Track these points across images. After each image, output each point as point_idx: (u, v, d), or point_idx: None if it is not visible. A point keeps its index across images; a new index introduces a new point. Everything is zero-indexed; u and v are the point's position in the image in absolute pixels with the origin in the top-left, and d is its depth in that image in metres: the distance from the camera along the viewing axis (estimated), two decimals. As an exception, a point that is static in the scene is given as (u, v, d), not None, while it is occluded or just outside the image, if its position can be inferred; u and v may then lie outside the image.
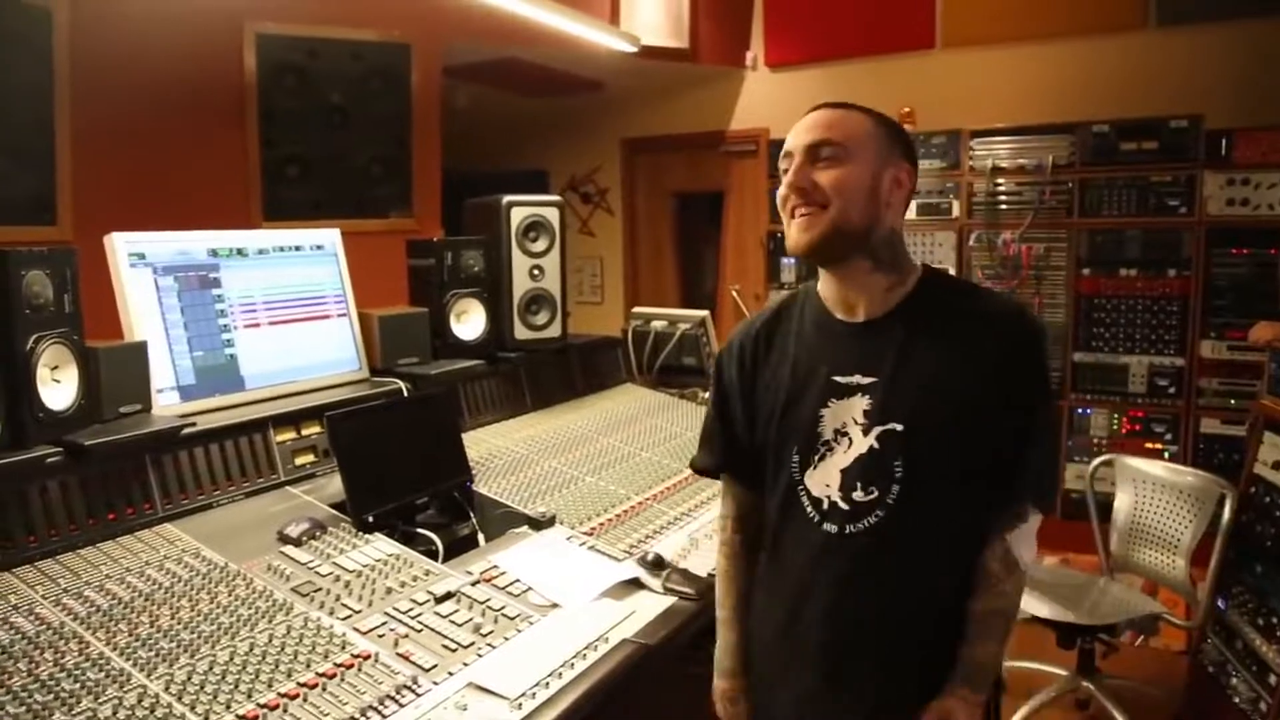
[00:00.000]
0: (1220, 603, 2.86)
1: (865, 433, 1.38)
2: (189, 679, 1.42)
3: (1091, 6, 4.60)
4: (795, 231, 1.41)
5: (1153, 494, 3.06)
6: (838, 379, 1.42)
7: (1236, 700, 2.66)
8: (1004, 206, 4.65)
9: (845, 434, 1.40)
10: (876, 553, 1.39)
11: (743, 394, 1.55)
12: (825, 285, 1.49)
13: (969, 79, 4.97)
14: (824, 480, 1.41)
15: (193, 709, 1.35)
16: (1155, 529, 3.02)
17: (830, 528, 1.41)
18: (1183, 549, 2.90)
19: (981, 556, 1.42)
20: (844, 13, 5.33)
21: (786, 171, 1.42)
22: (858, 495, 1.39)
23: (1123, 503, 3.14)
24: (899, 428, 1.37)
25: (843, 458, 1.40)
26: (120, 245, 2.12)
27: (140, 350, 2.03)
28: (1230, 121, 4.17)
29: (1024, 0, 4.78)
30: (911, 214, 4.87)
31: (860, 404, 1.40)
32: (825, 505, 1.41)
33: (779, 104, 5.58)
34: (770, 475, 1.50)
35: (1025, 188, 4.59)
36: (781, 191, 1.43)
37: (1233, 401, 4.22)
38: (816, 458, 1.42)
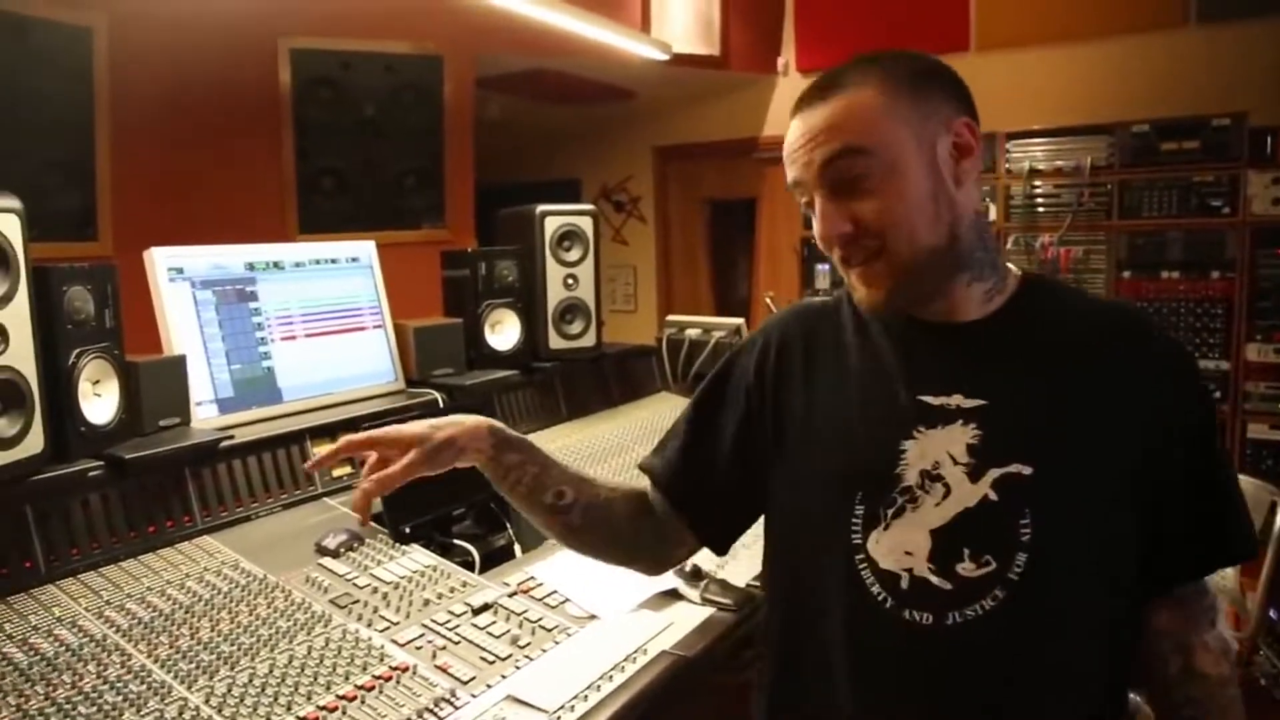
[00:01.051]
0: (1273, 613, 2.78)
1: (973, 477, 0.99)
2: (229, 691, 1.42)
3: (1130, 5, 4.53)
4: (860, 287, 1.07)
5: (1200, 501, 2.99)
6: (927, 399, 1.03)
7: (1291, 713, 2.59)
8: (1041, 209, 4.59)
9: (939, 478, 0.99)
10: (994, 654, 0.97)
11: (749, 408, 1.16)
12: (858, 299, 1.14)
13: (1004, 81, 4.91)
14: (902, 546, 0.99)
15: (233, 722, 1.35)
16: (1203, 537, 2.95)
17: (917, 617, 0.98)
18: (1232, 557, 2.84)
19: (1182, 661, 1.05)
20: (876, 16, 5.30)
21: (809, 205, 1.08)
22: (964, 568, 0.97)
23: (1169, 510, 3.07)
24: (1026, 470, 0.98)
25: (935, 514, 0.99)
26: (160, 260, 2.15)
27: (179, 364, 2.06)
28: (1275, 119, 4.08)
29: (1060, 0, 4.72)
30: (947, 218, 4.83)
31: (962, 436, 1.00)
32: (905, 584, 0.99)
33: (811, 109, 5.55)
34: (797, 540, 1.09)
35: (1063, 190, 4.52)
36: (819, 236, 1.08)
37: (1280, 406, 4.12)
38: (890, 512, 1.00)
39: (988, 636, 0.96)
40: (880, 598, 1.00)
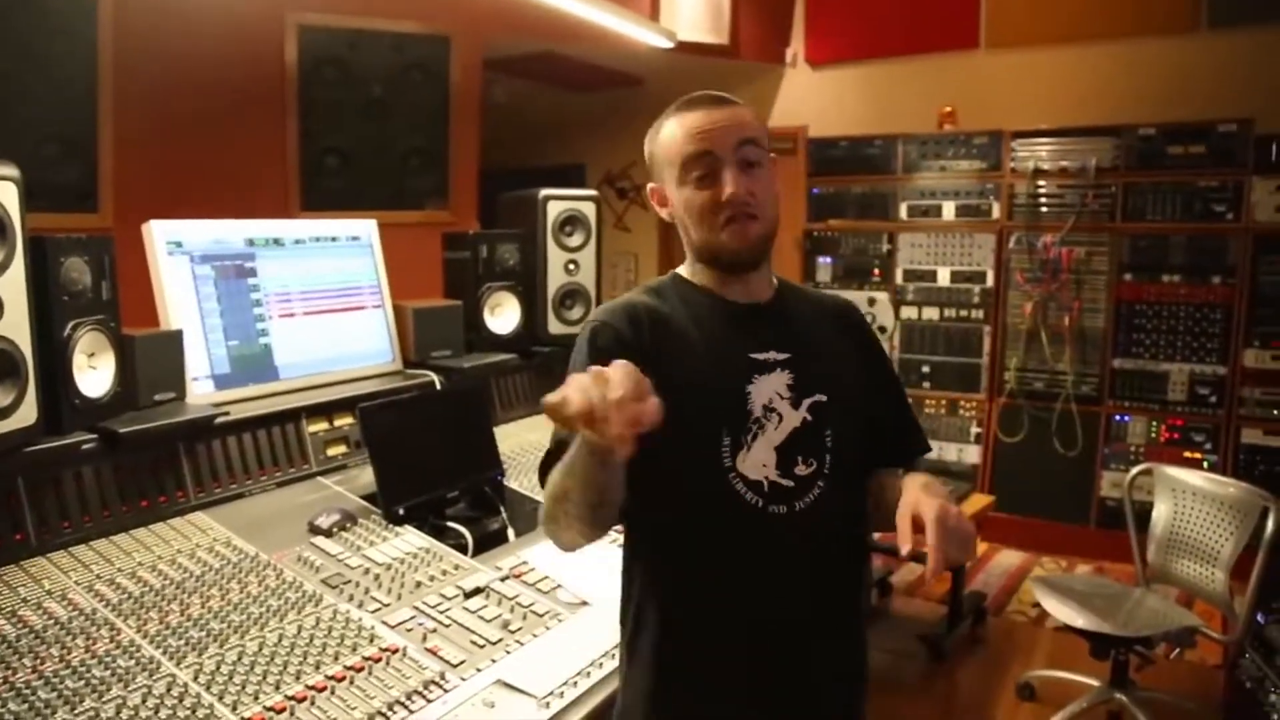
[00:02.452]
0: (1260, 617, 2.79)
1: (794, 405, 1.33)
2: (218, 669, 1.43)
3: (1141, 8, 4.52)
4: (731, 238, 1.33)
5: (1193, 505, 2.99)
6: (755, 356, 1.35)
7: (1275, 717, 2.59)
8: (1045, 209, 4.57)
9: (773, 410, 1.33)
10: (824, 525, 1.34)
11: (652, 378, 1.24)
12: (710, 278, 1.40)
13: (1012, 79, 4.90)
14: (760, 461, 1.31)
15: (220, 699, 1.35)
16: (1194, 540, 2.95)
17: (777, 509, 1.31)
18: (1222, 561, 2.83)
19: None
20: (887, 10, 5.27)
21: (704, 178, 1.32)
22: (799, 470, 1.32)
23: (1161, 513, 3.07)
24: (824, 399, 1.35)
25: (776, 435, 1.32)
26: (158, 233, 2.13)
27: (176, 339, 2.05)
28: (1282, 126, 4.07)
29: (1071, 0, 4.69)
30: (950, 215, 4.82)
31: (782, 379, 1.34)
32: (766, 487, 1.31)
33: (818, 101, 5.54)
34: (679, 474, 1.30)
35: (1067, 190, 4.51)
36: (707, 201, 1.32)
37: (1276, 412, 4.12)
38: (749, 438, 1.31)
39: (819, 513, 1.33)
40: (752, 500, 1.31)
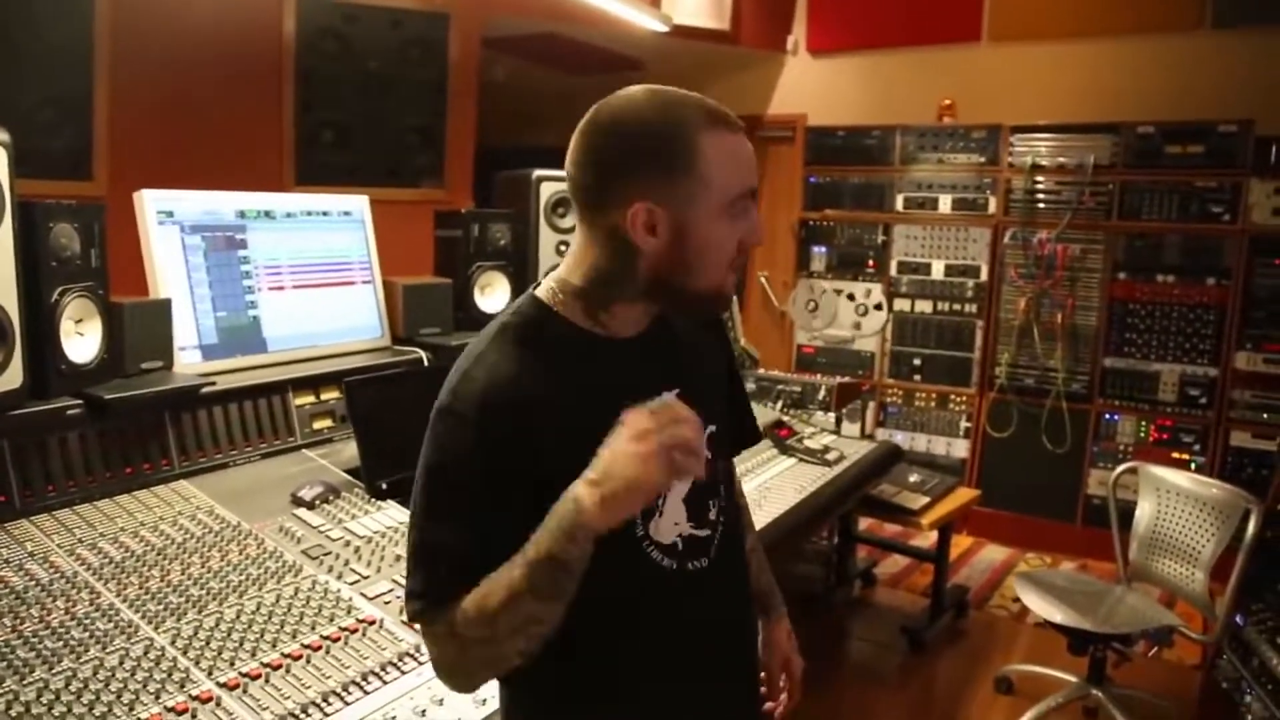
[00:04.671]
0: (1239, 619, 2.81)
1: (714, 443, 1.18)
2: (195, 634, 1.44)
3: (1145, 5, 4.51)
4: (729, 287, 1.15)
5: (1176, 504, 3.00)
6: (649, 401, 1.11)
7: (1250, 718, 2.62)
8: (1042, 205, 4.57)
9: None
10: (735, 559, 1.27)
11: (528, 470, 1.05)
12: (599, 311, 1.14)
13: (1013, 73, 4.89)
14: (672, 519, 1.15)
15: (197, 664, 1.37)
16: (1176, 540, 2.97)
17: (695, 565, 1.18)
18: (1203, 562, 2.85)
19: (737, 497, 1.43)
20: (889, 0, 5.26)
21: (740, 216, 1.10)
22: (711, 514, 1.21)
23: (1144, 512, 3.09)
24: (714, 428, 1.19)
25: (682, 486, 1.15)
26: (149, 202, 2.13)
27: (164, 308, 2.05)
28: (1281, 129, 4.07)
29: (1075, -4, 4.69)
30: (946, 208, 4.82)
31: None
32: (681, 546, 1.16)
33: (818, 90, 5.53)
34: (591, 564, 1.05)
35: (1064, 187, 4.51)
36: (734, 243, 1.11)
37: (1265, 415, 4.13)
38: (660, 502, 1.13)
39: (727, 549, 1.23)
40: (668, 564, 1.15)
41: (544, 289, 1.16)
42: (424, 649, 1.51)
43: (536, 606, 1.00)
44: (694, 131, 1.06)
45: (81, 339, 1.82)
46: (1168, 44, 4.47)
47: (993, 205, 4.71)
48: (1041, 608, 2.89)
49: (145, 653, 1.37)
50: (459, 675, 1.10)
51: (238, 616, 1.51)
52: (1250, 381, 4.18)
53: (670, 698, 1.18)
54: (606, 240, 1.10)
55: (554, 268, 1.24)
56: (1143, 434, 4.44)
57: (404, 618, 1.59)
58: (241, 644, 1.44)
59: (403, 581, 1.69)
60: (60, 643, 1.36)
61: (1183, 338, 4.33)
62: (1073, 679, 3.04)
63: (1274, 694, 2.54)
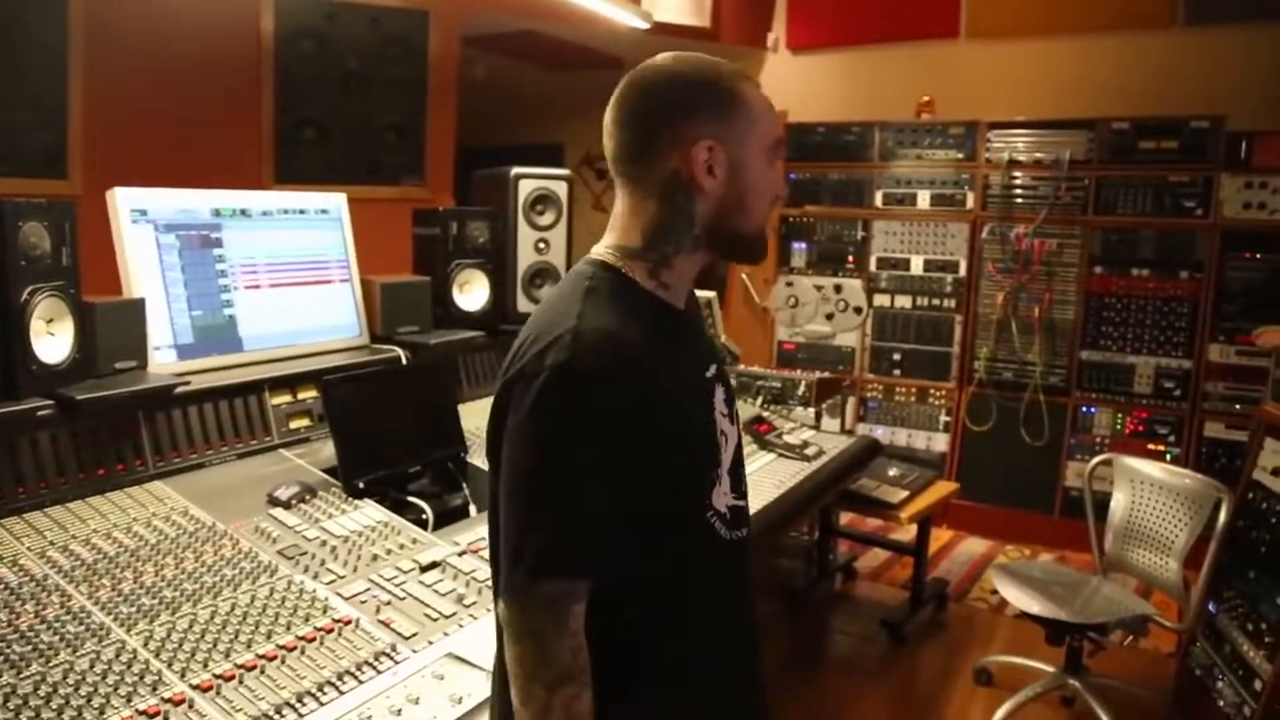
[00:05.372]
0: (1211, 607, 2.84)
1: (732, 420, 1.24)
2: (168, 636, 1.43)
3: (1119, 3, 4.55)
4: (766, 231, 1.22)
5: (1150, 495, 3.04)
6: (706, 374, 1.22)
7: (1222, 704, 2.65)
8: (1019, 200, 4.60)
9: (723, 431, 1.20)
10: (751, 527, 1.32)
11: (650, 439, 1.07)
12: (675, 276, 1.17)
13: (990, 70, 4.92)
14: (724, 490, 1.18)
15: (169, 665, 1.36)
16: (1150, 530, 3.00)
17: (736, 534, 1.21)
18: (1176, 551, 2.88)
19: None
20: (868, -2, 5.28)
21: (774, 164, 1.18)
22: (743, 485, 1.25)
23: (1119, 503, 3.12)
24: (736, 406, 1.29)
25: (728, 457, 1.20)
26: (122, 200, 2.12)
27: (138, 307, 2.04)
28: (1252, 124, 4.11)
29: (1051, -7, 4.72)
30: (925, 204, 4.84)
31: (720, 393, 1.22)
32: (729, 515, 1.19)
33: (799, 87, 5.54)
34: (666, 530, 1.12)
35: (1041, 182, 4.54)
36: (784, 192, 1.26)
37: (1238, 406, 4.18)
38: (719, 471, 1.18)
39: (748, 520, 1.27)
40: (725, 534, 1.18)
41: (603, 255, 1.16)
42: (399, 649, 1.51)
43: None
44: (733, 80, 1.14)
45: (53, 339, 1.81)
46: (1141, 41, 4.51)
47: (971, 201, 4.74)
48: (1019, 599, 2.92)
49: (117, 655, 1.37)
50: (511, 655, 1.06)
51: (211, 617, 1.50)
52: (1223, 373, 4.23)
53: (724, 668, 1.22)
54: (661, 192, 1.13)
55: (598, 256, 1.16)
56: (1119, 426, 4.48)
57: (381, 617, 1.59)
58: (215, 645, 1.43)
59: (378, 580, 1.70)
60: (29, 646, 1.35)
61: (1157, 330, 4.38)
62: (1050, 669, 3.07)
63: (1245, 679, 2.58)
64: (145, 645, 1.40)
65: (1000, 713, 2.95)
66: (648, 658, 1.15)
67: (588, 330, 1.04)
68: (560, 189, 3.06)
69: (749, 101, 1.14)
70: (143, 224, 2.15)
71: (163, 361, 2.13)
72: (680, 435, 1.10)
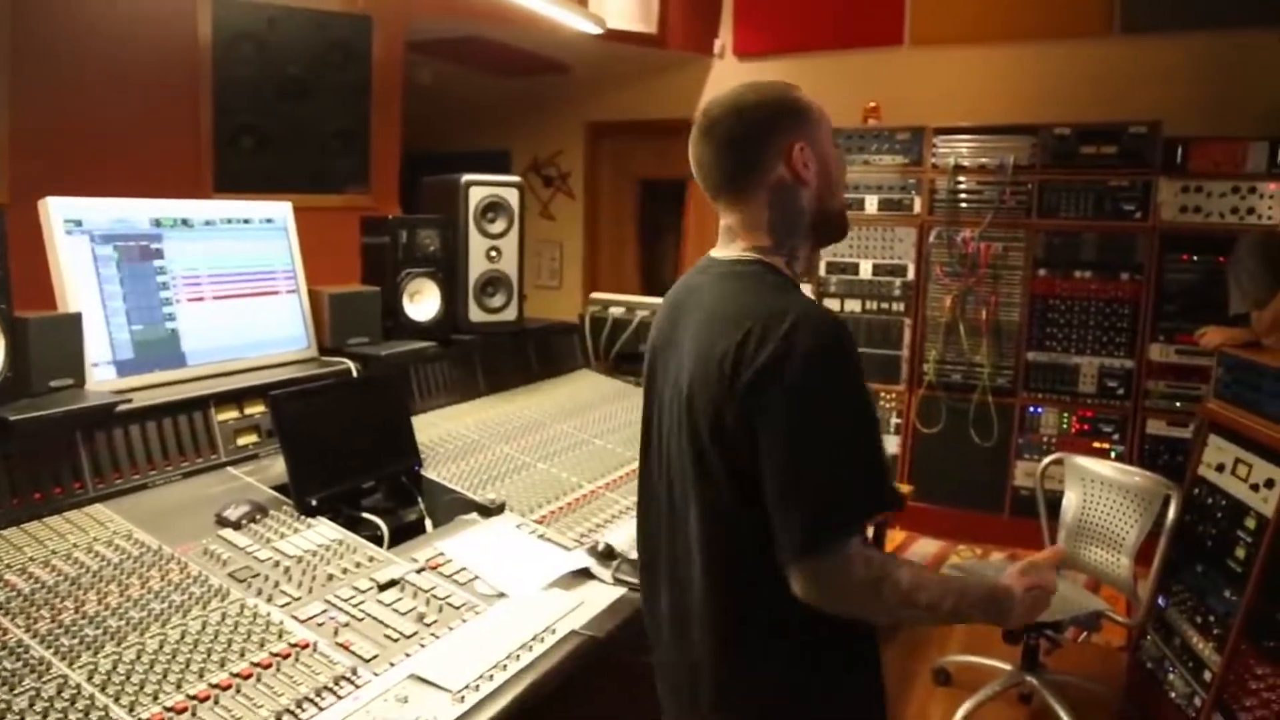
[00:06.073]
0: (1161, 601, 2.90)
1: None
2: (114, 668, 1.36)
3: (1058, 11, 4.64)
4: None
5: (1101, 493, 3.09)
6: None
7: (1173, 695, 2.70)
8: (964, 205, 4.67)
9: None
10: None
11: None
12: (803, 266, 1.40)
13: (935, 76, 5.00)
14: None
15: (116, 700, 1.29)
16: (1101, 527, 3.05)
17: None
18: (1127, 548, 2.94)
19: None
20: (814, 5, 5.33)
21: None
22: None
23: (1071, 501, 3.17)
24: None
25: None
26: (55, 211, 2.03)
27: (74, 322, 1.95)
28: (1187, 130, 4.23)
29: (993, 1, 4.80)
30: (873, 209, 4.89)
31: None
32: None
33: (745, 93, 5.56)
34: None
35: (986, 187, 4.61)
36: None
37: (1178, 404, 4.29)
38: None
39: None
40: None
41: (752, 255, 1.34)
42: (360, 672, 1.46)
43: (930, 618, 1.26)
44: (795, 92, 1.39)
45: (-17, 358, 1.72)
46: (1080, 48, 4.62)
47: (918, 205, 4.79)
48: (976, 600, 2.93)
49: (59, 692, 1.29)
50: (846, 600, 1.22)
51: (160, 647, 1.43)
52: (1164, 372, 4.33)
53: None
54: (770, 197, 1.33)
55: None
56: (1065, 425, 4.56)
57: (339, 639, 1.54)
58: (165, 676, 1.36)
59: (335, 601, 1.65)
60: (-35, 683, 1.27)
61: (1100, 331, 4.47)
62: (1007, 667, 3.11)
63: (1195, 670, 2.63)
64: (89, 679, 1.33)
65: (960, 712, 2.97)
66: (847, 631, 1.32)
67: (815, 311, 1.23)
68: (511, 196, 3.01)
69: (812, 105, 1.37)
70: (78, 235, 2.06)
71: (101, 379, 2.04)
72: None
